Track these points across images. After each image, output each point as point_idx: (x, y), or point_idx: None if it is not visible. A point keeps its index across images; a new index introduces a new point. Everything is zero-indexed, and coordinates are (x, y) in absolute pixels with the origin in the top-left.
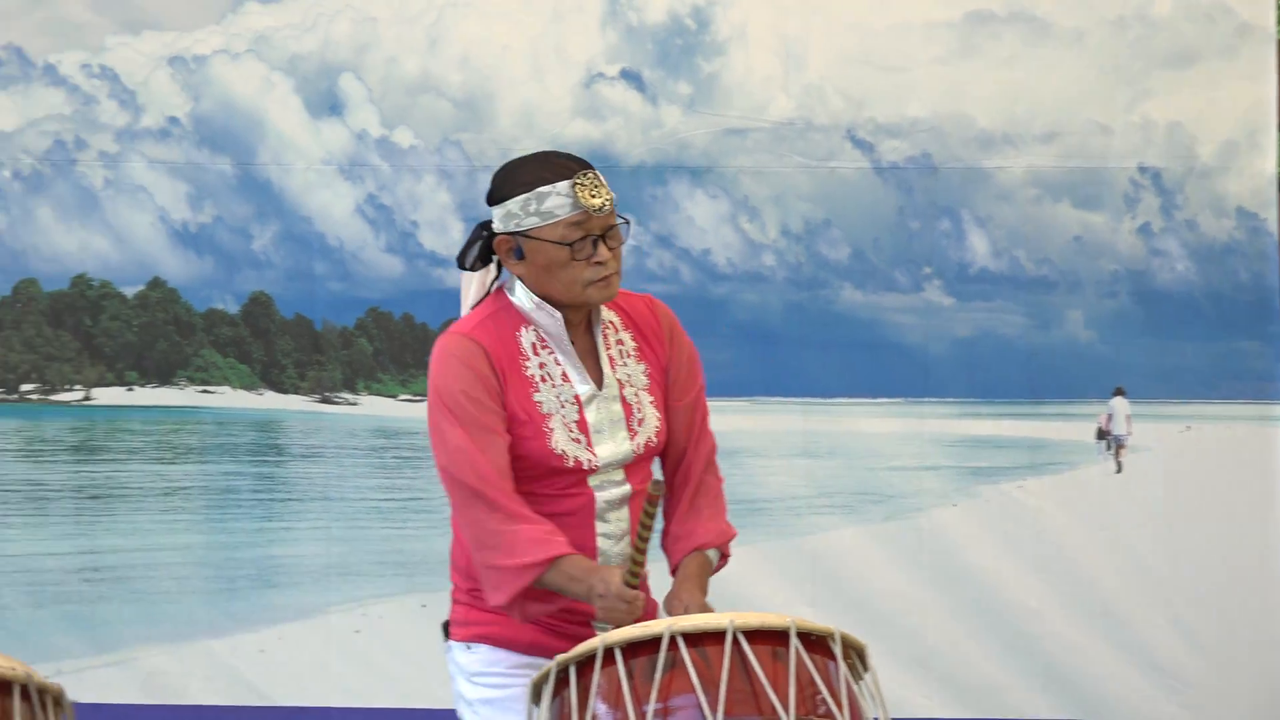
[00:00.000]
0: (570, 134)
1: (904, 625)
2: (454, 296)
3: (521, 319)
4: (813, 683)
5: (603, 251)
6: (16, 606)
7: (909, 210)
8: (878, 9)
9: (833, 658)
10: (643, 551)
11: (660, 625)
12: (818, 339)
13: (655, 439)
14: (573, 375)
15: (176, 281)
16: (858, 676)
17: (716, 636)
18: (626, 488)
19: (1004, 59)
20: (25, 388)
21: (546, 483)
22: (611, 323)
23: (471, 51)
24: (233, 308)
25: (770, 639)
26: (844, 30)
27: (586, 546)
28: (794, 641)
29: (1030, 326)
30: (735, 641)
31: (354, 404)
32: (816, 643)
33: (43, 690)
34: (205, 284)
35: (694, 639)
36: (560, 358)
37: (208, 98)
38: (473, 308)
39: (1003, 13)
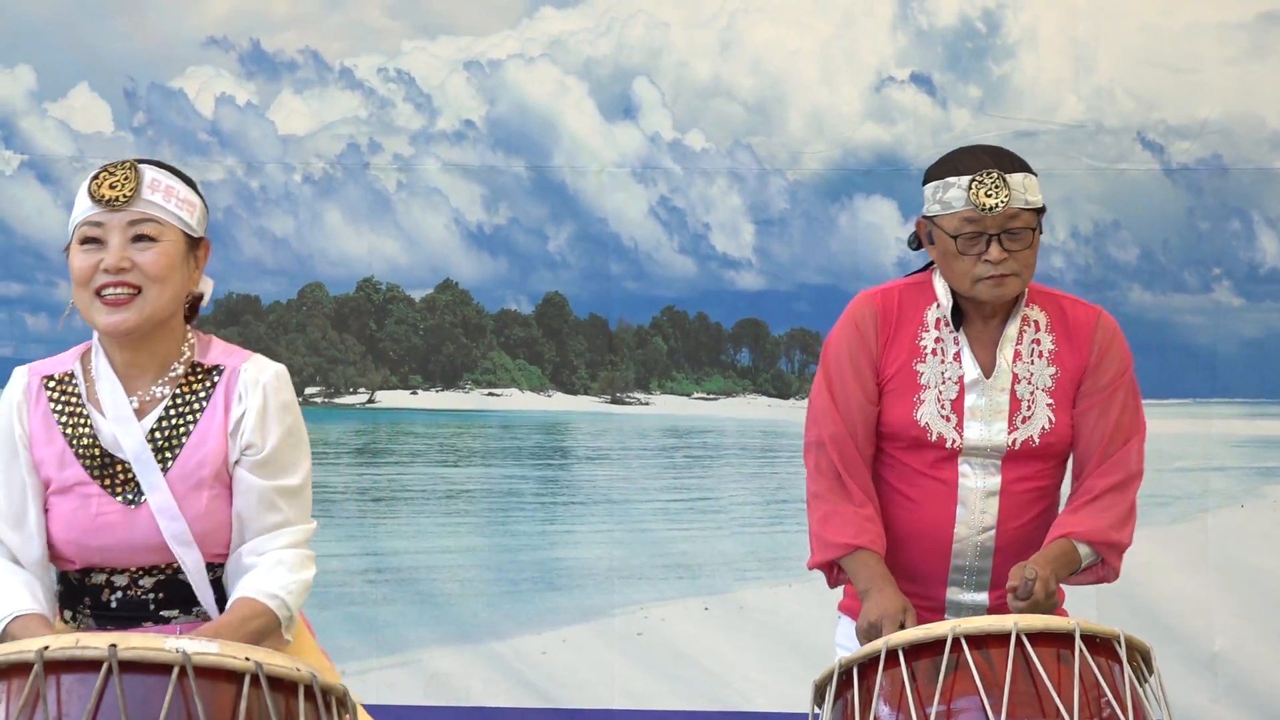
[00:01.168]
0: (860, 137)
1: (1190, 628)
2: (746, 297)
3: (934, 294)
4: (1097, 685)
5: (994, 251)
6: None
7: (1199, 211)
8: (1168, 10)
9: (1118, 660)
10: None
11: (944, 627)
12: None
13: (1039, 440)
14: (965, 358)
15: (468, 283)
16: (1142, 680)
17: (1000, 639)
18: (997, 480)
19: None
20: (309, 391)
21: (914, 455)
22: (1036, 321)
23: (763, 55)
24: (526, 309)
25: (1054, 641)
26: (1134, 31)
27: (943, 530)
28: (1078, 644)
29: None
30: (1019, 644)
31: (646, 404)
32: (1101, 645)
33: (327, 691)
34: (498, 285)
35: (977, 641)
36: (960, 339)
37: (503, 101)
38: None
39: None
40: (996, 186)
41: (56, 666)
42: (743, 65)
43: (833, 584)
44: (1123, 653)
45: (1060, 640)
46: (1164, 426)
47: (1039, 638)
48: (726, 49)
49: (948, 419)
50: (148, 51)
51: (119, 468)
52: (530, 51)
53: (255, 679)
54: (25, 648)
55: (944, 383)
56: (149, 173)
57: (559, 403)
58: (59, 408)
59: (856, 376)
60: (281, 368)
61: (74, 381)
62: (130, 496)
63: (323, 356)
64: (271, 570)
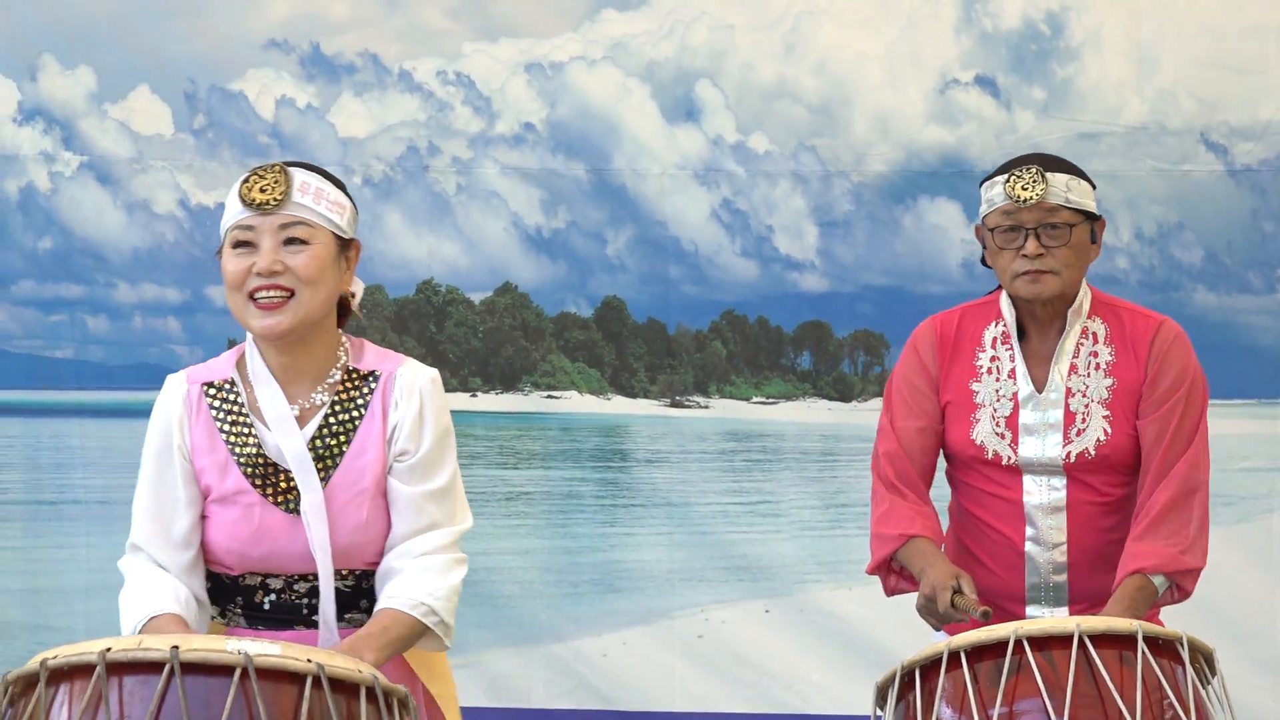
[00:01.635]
0: (925, 139)
1: (1254, 628)
2: (809, 299)
3: (998, 313)
4: (1160, 687)
5: (1031, 245)
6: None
7: (1263, 212)
8: (1231, 12)
9: (1180, 662)
10: (966, 610)
11: (1006, 629)
12: None
13: (1095, 451)
14: (1019, 374)
15: (527, 286)
16: (1205, 681)
17: (1063, 641)
18: (1062, 495)
19: None
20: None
21: (978, 474)
22: (1095, 333)
23: (827, 58)
24: (585, 312)
25: (1117, 643)
26: (1197, 33)
27: (1015, 548)
28: (1141, 646)
29: None
30: (1081, 645)
31: (705, 407)
32: (1164, 647)
33: (388, 693)
34: (558, 288)
35: (1040, 643)
36: (1016, 355)
37: (564, 104)
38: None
39: None
40: (1034, 180)
41: (119, 668)
42: (807, 67)
43: (889, 591)
44: (1185, 654)
45: (1123, 642)
46: (1229, 427)
47: (1101, 639)
48: (790, 51)
49: (1002, 436)
50: (208, 53)
51: (281, 476)
52: (592, 54)
53: (317, 680)
54: (88, 649)
55: (999, 400)
56: (299, 175)
57: (618, 406)
58: (221, 416)
59: (915, 399)
60: (435, 372)
61: (235, 389)
62: (293, 505)
63: None
64: (418, 576)
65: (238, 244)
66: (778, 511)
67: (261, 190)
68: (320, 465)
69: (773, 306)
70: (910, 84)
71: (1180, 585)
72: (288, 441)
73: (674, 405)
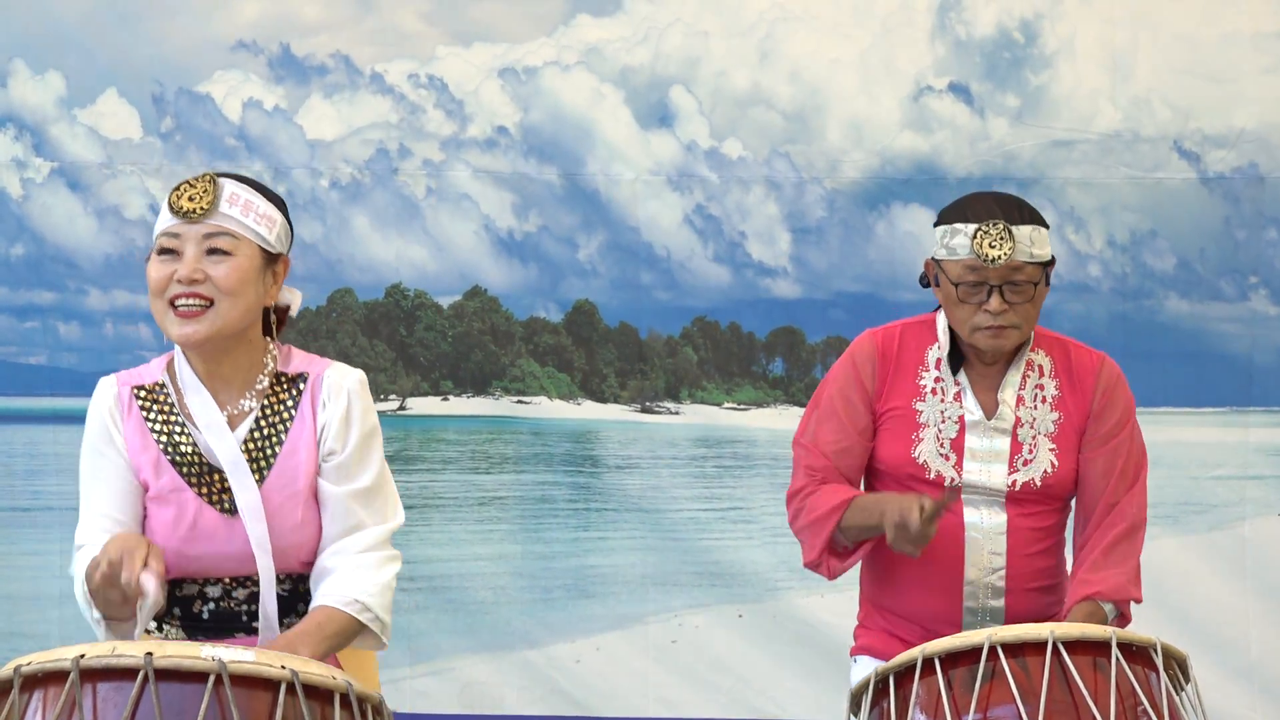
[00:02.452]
0: (898, 146)
1: (1226, 636)
2: (781, 305)
3: (935, 335)
4: (1134, 693)
5: (994, 302)
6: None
7: (1235, 220)
8: (1206, 20)
9: (1154, 669)
10: (940, 512)
11: (980, 635)
12: (1142, 348)
13: (1040, 482)
14: (967, 399)
15: (497, 290)
16: (1179, 688)
17: (1037, 647)
18: (1003, 519)
19: None
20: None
21: (910, 491)
22: (1041, 366)
23: (801, 65)
24: (555, 316)
25: (1091, 649)
26: (1171, 41)
27: (954, 570)
28: (1115, 652)
29: None
30: (1055, 652)
31: (676, 413)
32: (1138, 653)
33: (362, 699)
34: (528, 293)
35: (1014, 649)
36: (962, 380)
37: (537, 108)
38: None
39: None
40: (1001, 238)
41: (92, 675)
42: (781, 74)
43: (832, 574)
44: (1159, 661)
45: (1097, 649)
46: (1201, 435)
47: (1075, 646)
48: (765, 58)
49: (947, 457)
50: (176, 56)
51: (216, 477)
52: (566, 59)
53: (291, 687)
54: (62, 655)
55: (944, 421)
56: (229, 186)
57: (589, 411)
58: (152, 417)
59: (848, 413)
60: (361, 374)
61: (165, 391)
62: (228, 505)
63: (353, 363)
64: (351, 574)
65: (162, 250)
66: (749, 518)
67: (190, 199)
68: (254, 467)
69: (745, 312)
70: (884, 91)
71: (1123, 614)
72: (220, 444)
73: (645, 411)
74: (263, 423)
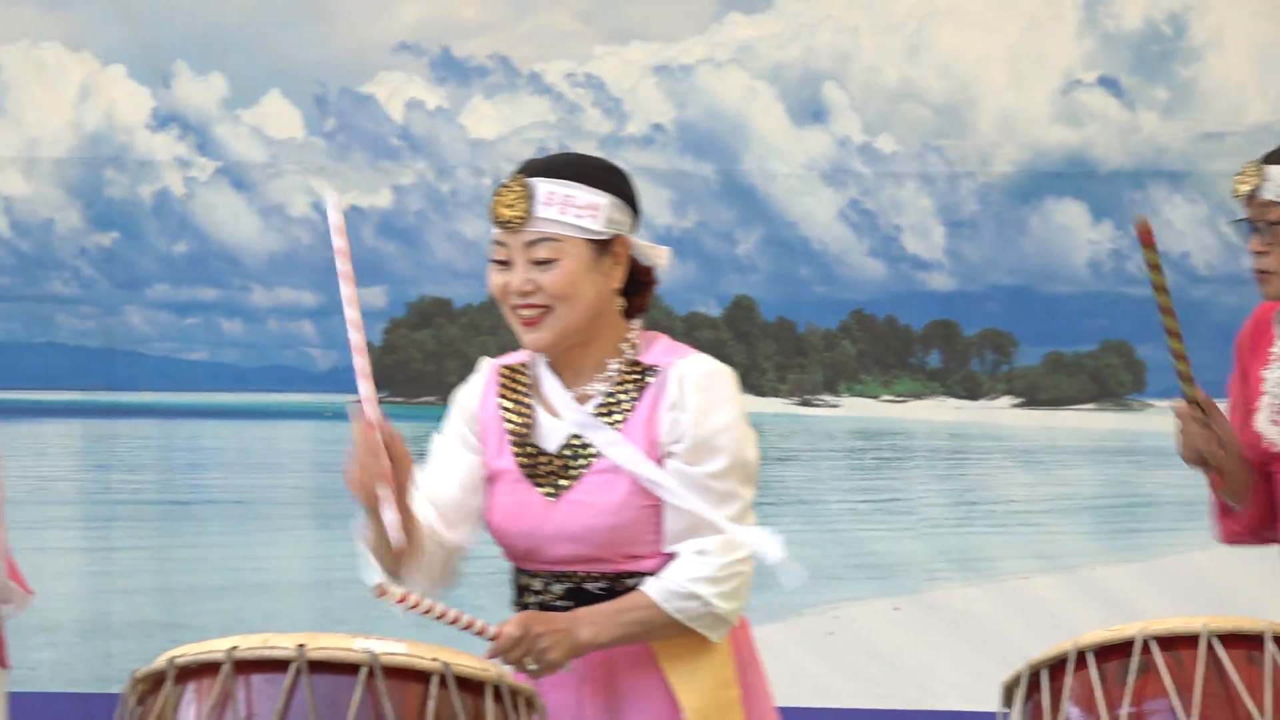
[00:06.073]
0: (1049, 140)
1: None
2: (937, 298)
3: None
4: None
5: (1253, 242)
6: (492, 607)
7: None
8: None
9: None
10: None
11: (1132, 629)
12: None
13: None
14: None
15: (657, 286)
16: None
17: (1190, 640)
18: None
19: None
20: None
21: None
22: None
23: (951, 60)
24: (714, 311)
25: (1245, 643)
26: None
27: None
28: (1269, 646)
29: None
30: (1209, 646)
31: (835, 406)
32: None
33: (515, 692)
34: (687, 288)
35: (1167, 643)
36: None
37: (692, 105)
38: None
39: None
40: (1243, 174)
41: (245, 666)
42: (931, 69)
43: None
44: None
45: (1251, 642)
46: None
47: (1229, 639)
48: (914, 53)
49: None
50: (339, 57)
51: (544, 459)
52: (719, 56)
53: (443, 679)
54: (215, 647)
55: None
56: (543, 187)
57: (748, 404)
58: (506, 394)
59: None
60: (715, 366)
61: (525, 371)
62: (551, 489)
63: None
64: (685, 561)
65: (496, 259)
66: (907, 509)
67: (506, 207)
68: (585, 450)
69: (901, 305)
70: (1034, 85)
71: None
72: (560, 425)
73: (803, 404)
74: (603, 409)
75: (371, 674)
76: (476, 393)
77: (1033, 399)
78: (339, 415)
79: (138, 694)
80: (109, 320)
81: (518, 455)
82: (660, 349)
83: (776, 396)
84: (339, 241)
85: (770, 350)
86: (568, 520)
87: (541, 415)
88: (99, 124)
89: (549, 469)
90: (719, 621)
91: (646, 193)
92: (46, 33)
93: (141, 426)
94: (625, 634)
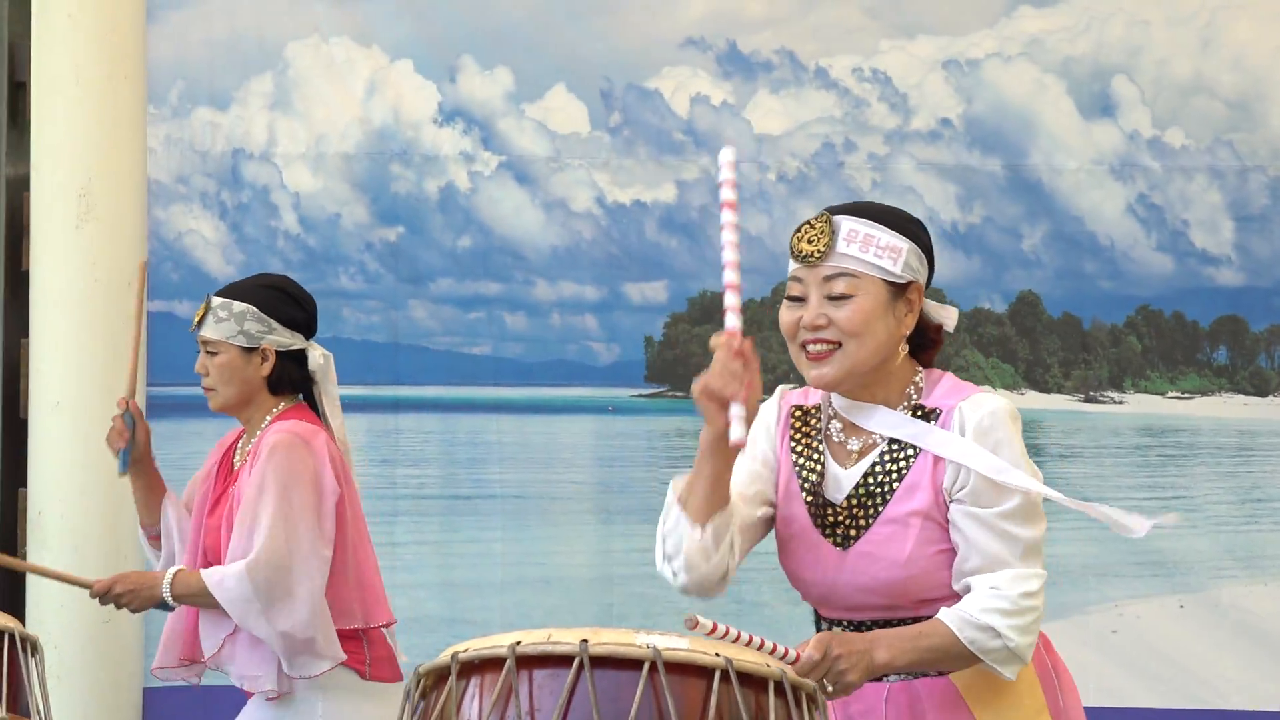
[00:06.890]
0: None
1: None
2: (1225, 293)
3: None
4: None
5: None
6: (776, 604)
7: None
8: None
9: None
10: None
11: None
12: None
13: None
14: None
15: (941, 281)
16: None
17: None
18: None
19: None
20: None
21: None
22: None
23: (1244, 53)
24: (999, 307)
25: None
26: None
27: None
28: None
29: None
30: None
31: (1120, 402)
32: None
33: (797, 688)
34: (971, 283)
35: None
36: None
37: (979, 100)
38: None
39: None
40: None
41: (528, 662)
42: (1223, 62)
43: None
44: None
45: None
46: None
47: None
48: (1206, 46)
49: None
50: (624, 52)
51: (833, 510)
52: (1008, 50)
53: (725, 674)
54: (498, 642)
55: None
56: (845, 224)
57: (1032, 401)
58: (798, 439)
59: None
60: (996, 405)
61: (818, 415)
62: (839, 539)
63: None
64: (979, 593)
65: (790, 296)
66: (1192, 507)
67: (808, 242)
68: (871, 501)
69: (1188, 301)
70: None
71: None
72: (847, 475)
73: (1088, 400)
74: (887, 456)
75: (654, 669)
76: (773, 427)
77: None
78: (621, 410)
79: (421, 688)
80: (393, 315)
81: (809, 504)
82: (942, 391)
83: (1060, 393)
84: (728, 194)
85: (1055, 346)
86: (858, 571)
87: (831, 465)
88: (386, 119)
89: (835, 519)
90: (1012, 657)
91: (932, 188)
92: (335, 29)
93: (425, 420)
94: (920, 659)
